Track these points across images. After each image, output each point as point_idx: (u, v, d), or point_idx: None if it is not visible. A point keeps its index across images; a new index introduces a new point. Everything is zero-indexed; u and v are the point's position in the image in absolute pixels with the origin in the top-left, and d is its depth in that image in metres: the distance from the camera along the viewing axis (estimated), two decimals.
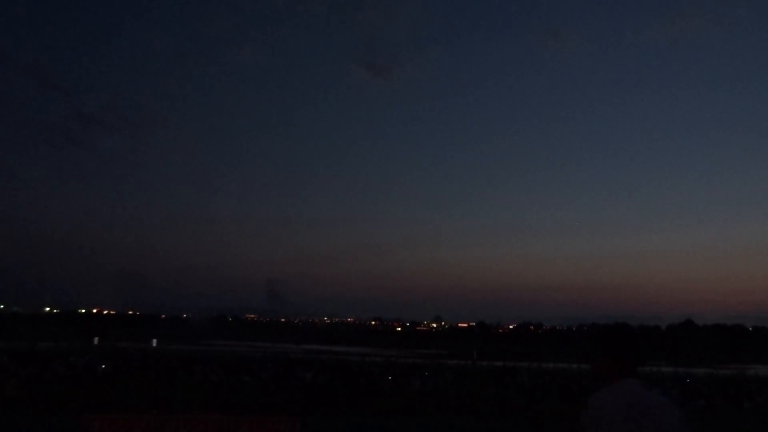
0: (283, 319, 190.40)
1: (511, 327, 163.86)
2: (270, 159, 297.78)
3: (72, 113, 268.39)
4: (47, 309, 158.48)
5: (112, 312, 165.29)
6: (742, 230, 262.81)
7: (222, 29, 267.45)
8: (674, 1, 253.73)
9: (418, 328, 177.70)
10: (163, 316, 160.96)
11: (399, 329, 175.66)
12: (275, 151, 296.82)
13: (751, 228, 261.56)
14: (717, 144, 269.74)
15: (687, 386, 33.31)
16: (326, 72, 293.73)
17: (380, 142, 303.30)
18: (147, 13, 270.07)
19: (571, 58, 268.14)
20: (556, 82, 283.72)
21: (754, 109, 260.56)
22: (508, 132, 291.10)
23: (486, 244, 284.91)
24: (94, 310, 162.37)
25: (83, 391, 25.99)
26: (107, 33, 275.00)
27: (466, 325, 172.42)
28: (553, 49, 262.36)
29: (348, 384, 33.02)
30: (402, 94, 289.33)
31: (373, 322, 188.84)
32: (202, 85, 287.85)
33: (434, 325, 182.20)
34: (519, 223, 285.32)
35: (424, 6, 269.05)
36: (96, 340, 54.35)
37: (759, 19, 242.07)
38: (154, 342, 59.67)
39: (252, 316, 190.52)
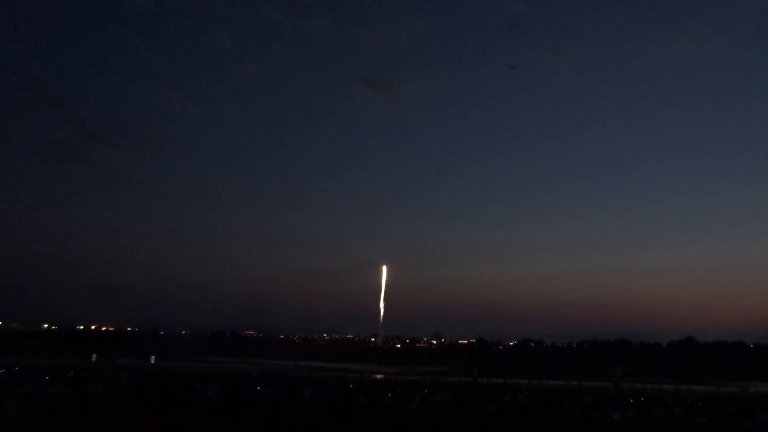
0: (282, 336, 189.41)
1: (511, 344, 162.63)
2: (270, 175, 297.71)
3: (73, 129, 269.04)
4: (45, 325, 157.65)
5: (110, 328, 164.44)
6: (743, 247, 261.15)
7: (223, 46, 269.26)
8: (674, 17, 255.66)
9: (418, 344, 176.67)
10: (161, 332, 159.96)
11: (399, 346, 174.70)
12: (276, 168, 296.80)
13: (752, 244, 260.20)
14: (717, 160, 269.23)
15: (689, 404, 33.09)
16: (328, 89, 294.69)
17: (381, 158, 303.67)
18: (148, 30, 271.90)
19: (571, 75, 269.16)
20: (557, 98, 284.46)
21: (756, 125, 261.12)
22: (508, 149, 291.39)
23: (486, 260, 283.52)
24: (93, 327, 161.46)
25: (82, 408, 25.83)
26: (108, 49, 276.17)
27: (466, 341, 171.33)
28: (553, 66, 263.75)
29: (347, 401, 32.83)
30: (403, 111, 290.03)
31: (372, 339, 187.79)
32: (203, 101, 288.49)
33: (434, 342, 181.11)
34: (519, 240, 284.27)
35: (426, 23, 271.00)
36: (94, 356, 54.01)
37: (759, 35, 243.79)
38: (153, 358, 59.30)
39: (251, 332, 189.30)
